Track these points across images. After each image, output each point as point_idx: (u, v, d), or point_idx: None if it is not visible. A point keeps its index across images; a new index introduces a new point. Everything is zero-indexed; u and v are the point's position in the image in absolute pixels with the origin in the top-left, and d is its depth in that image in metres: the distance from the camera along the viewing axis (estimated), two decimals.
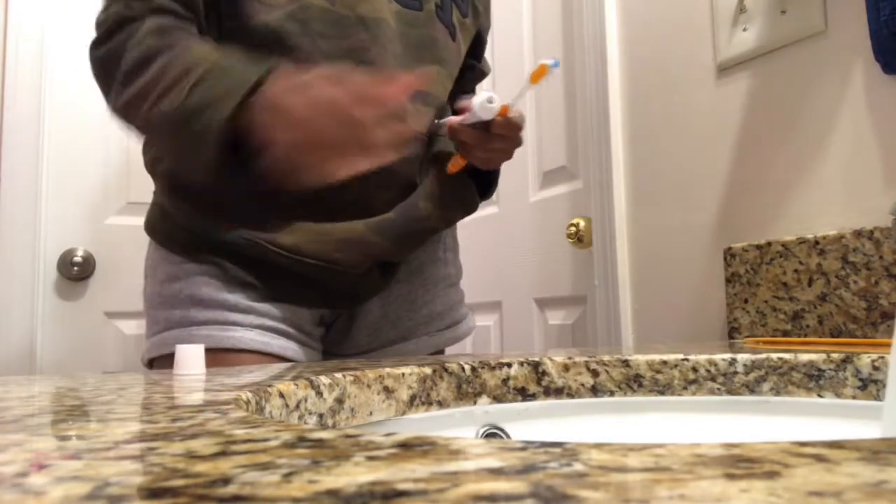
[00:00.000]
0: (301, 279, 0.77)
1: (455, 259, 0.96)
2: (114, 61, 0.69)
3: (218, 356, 0.72)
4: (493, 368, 0.55)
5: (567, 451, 0.17)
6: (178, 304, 0.76)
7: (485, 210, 1.66)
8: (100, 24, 0.71)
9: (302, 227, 0.75)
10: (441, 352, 0.91)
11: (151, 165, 0.82)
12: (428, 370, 0.52)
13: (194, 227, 0.77)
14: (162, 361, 0.77)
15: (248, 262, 0.76)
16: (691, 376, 0.56)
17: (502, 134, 0.76)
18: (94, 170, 1.56)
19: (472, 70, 0.96)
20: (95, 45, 0.72)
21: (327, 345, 0.85)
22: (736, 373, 0.55)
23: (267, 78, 0.63)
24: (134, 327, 1.53)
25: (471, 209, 0.88)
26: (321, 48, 0.72)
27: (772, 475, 0.14)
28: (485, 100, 0.73)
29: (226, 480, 0.15)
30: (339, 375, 0.45)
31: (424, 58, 0.80)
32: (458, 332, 0.92)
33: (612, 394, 0.56)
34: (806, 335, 0.88)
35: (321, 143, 0.62)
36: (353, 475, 0.15)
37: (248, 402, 0.33)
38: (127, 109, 0.69)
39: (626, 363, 0.57)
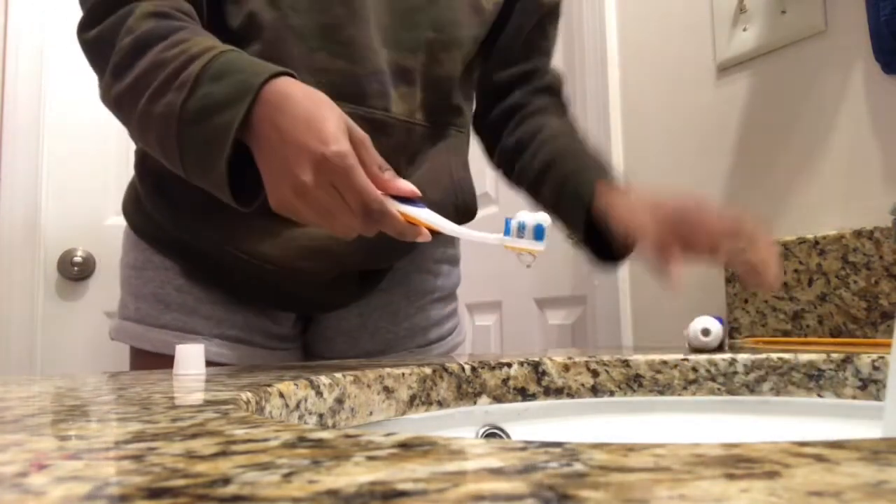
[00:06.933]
0: (265, 283, 0.73)
1: (451, 271, 0.87)
2: (106, 47, 0.60)
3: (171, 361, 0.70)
4: (493, 368, 0.55)
5: (567, 451, 0.17)
6: (141, 297, 0.75)
7: (485, 210, 1.66)
8: (84, 2, 0.62)
9: (264, 229, 0.68)
10: None
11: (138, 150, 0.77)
12: (428, 370, 0.52)
13: (160, 218, 0.73)
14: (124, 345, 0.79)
15: (212, 262, 0.72)
16: (691, 376, 0.56)
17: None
18: (94, 170, 1.56)
19: (533, 79, 0.83)
20: (83, 28, 0.62)
21: (308, 341, 0.82)
22: (736, 373, 0.55)
23: (275, 80, 0.52)
24: None
25: (469, 216, 0.80)
26: (292, 25, 0.64)
27: (772, 475, 0.14)
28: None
29: (226, 480, 0.15)
30: (339, 375, 0.45)
31: (419, 24, 0.69)
32: (443, 348, 0.85)
33: (612, 394, 0.56)
34: (806, 335, 0.88)
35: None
36: (353, 475, 0.15)
37: (248, 402, 0.32)
38: (120, 103, 0.60)
39: (626, 363, 0.57)
